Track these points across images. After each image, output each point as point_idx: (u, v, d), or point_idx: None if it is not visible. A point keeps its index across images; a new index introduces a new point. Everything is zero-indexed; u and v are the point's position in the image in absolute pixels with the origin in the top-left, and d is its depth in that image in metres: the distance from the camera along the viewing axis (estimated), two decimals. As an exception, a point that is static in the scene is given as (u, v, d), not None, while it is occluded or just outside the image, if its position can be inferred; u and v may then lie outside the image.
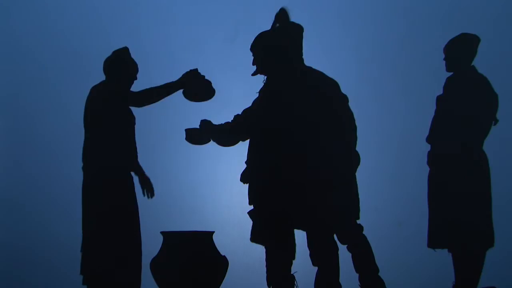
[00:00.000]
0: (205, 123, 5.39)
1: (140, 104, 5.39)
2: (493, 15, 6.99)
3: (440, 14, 7.14)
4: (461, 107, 5.27)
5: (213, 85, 5.38)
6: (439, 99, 5.41)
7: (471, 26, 5.70)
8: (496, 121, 5.31)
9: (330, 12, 7.21)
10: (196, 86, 5.37)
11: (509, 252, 6.49)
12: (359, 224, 5.14)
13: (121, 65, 5.42)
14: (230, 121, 5.41)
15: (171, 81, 5.36)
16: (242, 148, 5.30)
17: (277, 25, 5.27)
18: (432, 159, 5.37)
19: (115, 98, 5.32)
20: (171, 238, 5.42)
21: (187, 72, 5.37)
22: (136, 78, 5.47)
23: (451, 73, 5.42)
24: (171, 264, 5.33)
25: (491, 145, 5.34)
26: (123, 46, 5.49)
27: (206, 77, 5.36)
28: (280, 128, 5.10)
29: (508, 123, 6.14)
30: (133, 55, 5.45)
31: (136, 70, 5.48)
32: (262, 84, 5.31)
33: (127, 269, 5.23)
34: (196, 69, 5.37)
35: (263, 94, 5.29)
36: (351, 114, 5.16)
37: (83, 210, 5.32)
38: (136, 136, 5.43)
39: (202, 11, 7.35)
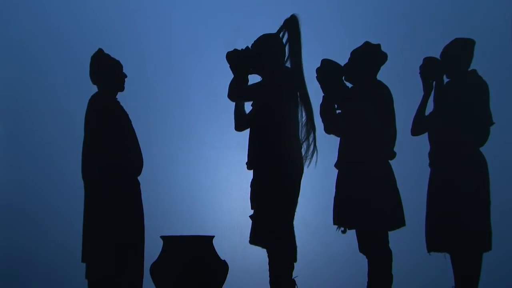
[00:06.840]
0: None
1: None
2: (492, 18, 7.02)
3: (440, 18, 7.16)
4: (460, 109, 5.29)
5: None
6: (437, 99, 5.43)
7: (472, 30, 5.71)
8: (493, 123, 5.33)
9: (330, 16, 7.23)
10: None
11: (509, 256, 6.50)
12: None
13: (102, 67, 5.33)
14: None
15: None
16: (242, 153, 5.29)
17: (284, 30, 5.26)
18: (433, 160, 5.38)
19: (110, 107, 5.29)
20: (171, 243, 5.43)
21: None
22: (123, 75, 5.38)
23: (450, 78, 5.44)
24: (171, 268, 5.33)
25: (491, 147, 5.36)
26: (98, 48, 5.40)
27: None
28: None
29: (508, 124, 6.16)
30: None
31: (118, 66, 5.35)
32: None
33: (129, 275, 5.22)
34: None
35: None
36: None
37: (86, 216, 5.27)
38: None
39: (202, 16, 7.37)
